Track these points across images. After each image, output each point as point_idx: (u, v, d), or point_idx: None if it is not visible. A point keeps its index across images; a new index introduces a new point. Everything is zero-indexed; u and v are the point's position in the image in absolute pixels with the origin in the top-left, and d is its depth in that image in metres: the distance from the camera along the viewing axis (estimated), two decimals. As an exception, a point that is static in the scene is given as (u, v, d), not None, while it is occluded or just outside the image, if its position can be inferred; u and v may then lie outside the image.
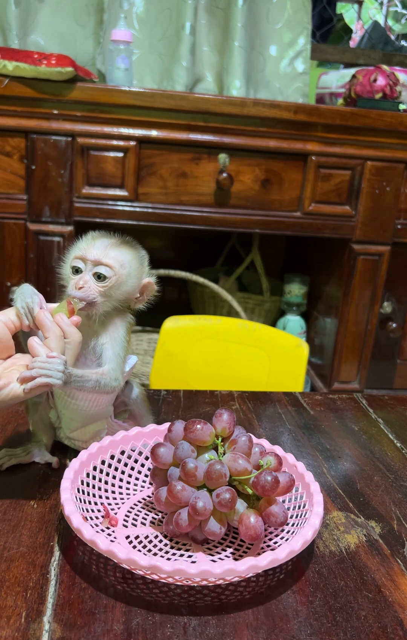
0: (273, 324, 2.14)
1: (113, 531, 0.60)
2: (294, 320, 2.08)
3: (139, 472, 0.69)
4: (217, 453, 0.60)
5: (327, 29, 2.60)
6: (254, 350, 1.41)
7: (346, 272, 1.85)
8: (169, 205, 1.71)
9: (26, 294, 0.62)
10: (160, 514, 0.64)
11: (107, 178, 1.66)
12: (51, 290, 1.69)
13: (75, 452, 0.74)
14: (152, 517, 0.63)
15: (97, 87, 1.57)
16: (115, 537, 0.59)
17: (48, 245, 1.67)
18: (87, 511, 0.60)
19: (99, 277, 0.66)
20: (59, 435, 0.75)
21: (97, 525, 0.60)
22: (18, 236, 1.66)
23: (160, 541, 0.60)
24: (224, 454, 0.60)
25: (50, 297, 1.72)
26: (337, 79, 2.02)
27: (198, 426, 0.59)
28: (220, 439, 0.60)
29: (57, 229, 1.67)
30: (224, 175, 1.69)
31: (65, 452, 0.75)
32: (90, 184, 1.66)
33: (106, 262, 0.66)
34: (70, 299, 0.64)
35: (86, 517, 0.59)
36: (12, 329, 0.62)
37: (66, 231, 1.67)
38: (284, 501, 0.63)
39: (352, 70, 1.91)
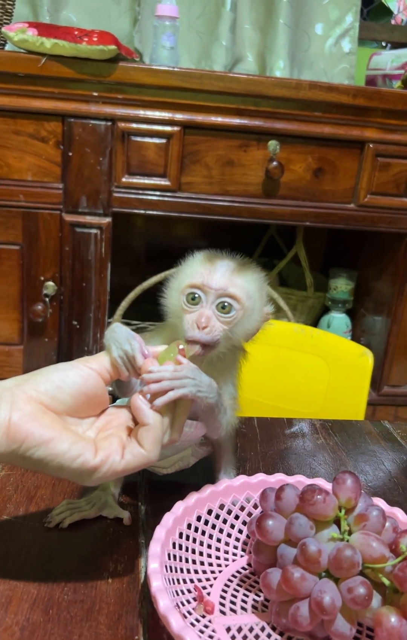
0: (316, 321, 2.02)
1: (210, 621, 0.49)
2: (339, 318, 1.96)
3: (229, 535, 0.58)
4: (341, 530, 0.49)
5: (371, 8, 2.43)
6: (311, 358, 1.29)
7: (401, 268, 1.72)
8: (214, 195, 1.59)
9: (122, 339, 0.51)
10: (262, 594, 0.53)
11: (149, 166, 1.53)
12: (87, 285, 1.58)
13: (146, 496, 0.63)
14: (254, 600, 0.52)
15: (141, 68, 1.44)
16: (214, 630, 0.48)
17: (85, 237, 1.55)
18: (177, 594, 0.49)
19: (224, 309, 0.54)
20: None
21: (190, 613, 0.49)
22: (53, 228, 1.54)
23: (269, 636, 0.49)
24: (349, 532, 0.48)
25: (87, 298, 1.62)
26: (392, 59, 1.88)
27: (319, 497, 0.48)
28: (343, 511, 0.49)
29: (95, 221, 1.55)
30: (274, 163, 1.56)
31: (134, 494, 0.64)
32: (130, 173, 1.53)
33: (233, 293, 0.54)
34: (181, 342, 0.53)
35: (177, 604, 0.48)
36: (108, 379, 0.51)
37: (104, 223, 1.55)
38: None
39: (411, 50, 1.77)
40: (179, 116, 1.50)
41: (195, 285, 0.54)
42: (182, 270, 0.57)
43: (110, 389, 0.57)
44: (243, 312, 0.54)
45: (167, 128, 1.51)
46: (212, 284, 0.54)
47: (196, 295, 0.54)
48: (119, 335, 0.51)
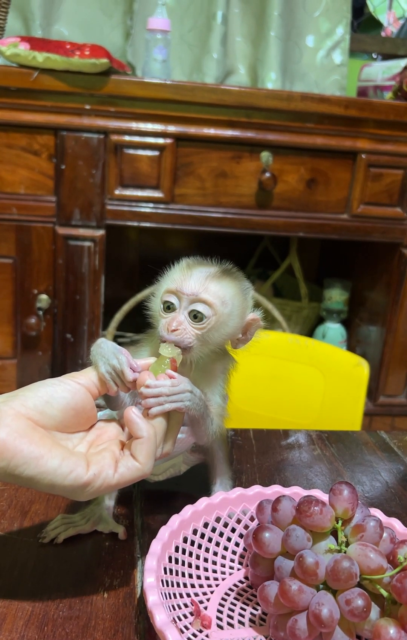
0: (311, 331, 2.02)
1: (207, 636, 0.49)
2: (334, 328, 1.96)
3: (225, 549, 0.57)
4: (338, 542, 0.48)
5: (361, 20, 2.44)
6: (307, 368, 1.29)
7: (396, 278, 1.72)
8: (207, 207, 1.59)
9: (108, 354, 0.51)
10: (259, 607, 0.52)
11: (142, 178, 1.54)
12: (81, 298, 1.58)
13: (142, 509, 0.63)
14: (251, 613, 0.52)
15: (133, 81, 1.45)
16: (211, 646, 0.48)
17: (78, 250, 1.55)
18: (174, 608, 0.48)
19: (196, 316, 0.54)
20: None
21: (187, 628, 0.48)
22: (46, 241, 1.54)
23: (267, 650, 0.48)
24: (346, 543, 0.48)
25: (81, 311, 1.61)
26: (383, 70, 1.89)
27: (316, 508, 0.47)
28: (340, 522, 0.49)
29: (88, 233, 1.55)
30: (267, 174, 1.56)
31: (129, 506, 0.64)
32: (123, 185, 1.54)
33: (205, 299, 0.54)
34: (172, 354, 0.52)
35: (174, 619, 0.47)
36: (96, 394, 0.51)
37: (97, 235, 1.55)
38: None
39: (401, 62, 1.78)
40: (172, 128, 1.51)
41: (171, 291, 0.55)
42: (164, 277, 0.57)
43: (103, 403, 0.56)
44: (217, 318, 0.54)
45: (160, 140, 1.51)
46: (184, 289, 0.54)
47: (171, 302, 0.54)
48: (106, 350, 0.51)
